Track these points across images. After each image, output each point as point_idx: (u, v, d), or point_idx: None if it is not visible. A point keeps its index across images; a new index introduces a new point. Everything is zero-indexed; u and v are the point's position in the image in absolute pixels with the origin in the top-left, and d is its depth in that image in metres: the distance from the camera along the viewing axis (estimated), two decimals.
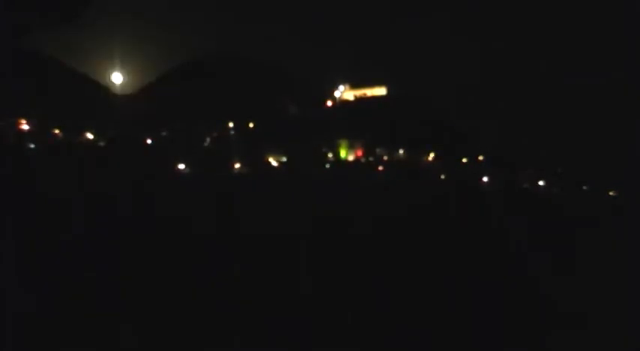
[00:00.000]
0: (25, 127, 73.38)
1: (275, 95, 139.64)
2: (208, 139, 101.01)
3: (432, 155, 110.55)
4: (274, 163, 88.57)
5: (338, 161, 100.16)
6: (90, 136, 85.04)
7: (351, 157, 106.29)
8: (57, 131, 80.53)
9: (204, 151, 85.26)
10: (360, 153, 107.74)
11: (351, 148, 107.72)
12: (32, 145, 57.68)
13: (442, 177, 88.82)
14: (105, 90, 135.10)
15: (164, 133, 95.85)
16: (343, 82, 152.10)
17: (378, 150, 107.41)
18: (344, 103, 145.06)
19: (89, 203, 15.47)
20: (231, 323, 6.54)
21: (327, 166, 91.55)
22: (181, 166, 63.60)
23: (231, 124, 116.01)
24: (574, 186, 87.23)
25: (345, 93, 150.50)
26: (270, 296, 7.63)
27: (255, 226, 14.39)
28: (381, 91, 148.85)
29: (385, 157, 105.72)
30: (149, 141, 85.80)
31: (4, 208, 11.93)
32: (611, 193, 79.66)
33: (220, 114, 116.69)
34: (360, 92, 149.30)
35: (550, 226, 20.19)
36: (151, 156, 64.40)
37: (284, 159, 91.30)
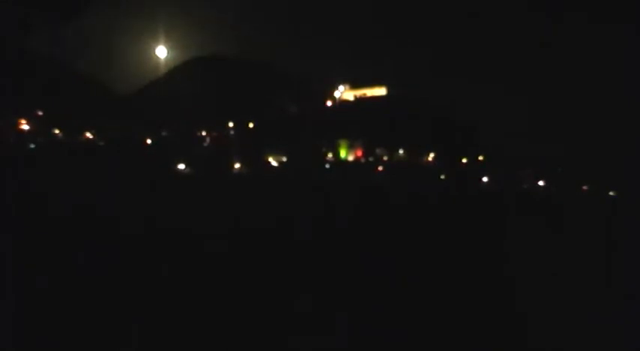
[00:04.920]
0: (25, 127, 73.52)
1: (275, 95, 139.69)
2: (208, 139, 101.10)
3: (432, 155, 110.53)
4: (274, 163, 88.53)
5: (338, 161, 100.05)
6: (90, 136, 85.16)
7: (351, 157, 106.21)
8: (57, 131, 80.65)
9: (204, 151, 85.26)
10: (360, 153, 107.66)
11: (351, 148, 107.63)
12: (32, 145, 57.86)
13: (442, 177, 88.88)
14: (105, 90, 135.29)
15: (164, 133, 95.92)
16: (343, 82, 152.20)
17: (377, 150, 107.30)
18: (344, 103, 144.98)
19: (88, 203, 15.48)
20: (231, 324, 6.54)
21: (327, 166, 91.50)
22: (181, 166, 63.65)
23: (231, 124, 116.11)
24: (574, 186, 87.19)
25: (345, 93, 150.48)
26: (268, 297, 7.63)
27: (255, 225, 14.40)
28: (381, 91, 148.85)
29: (385, 157, 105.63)
30: (149, 141, 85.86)
31: (4, 207, 11.94)
32: (611, 193, 79.62)
33: (220, 114, 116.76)
34: (360, 92, 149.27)
35: (550, 226, 20.19)
36: (151, 156, 64.42)
37: (284, 159, 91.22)
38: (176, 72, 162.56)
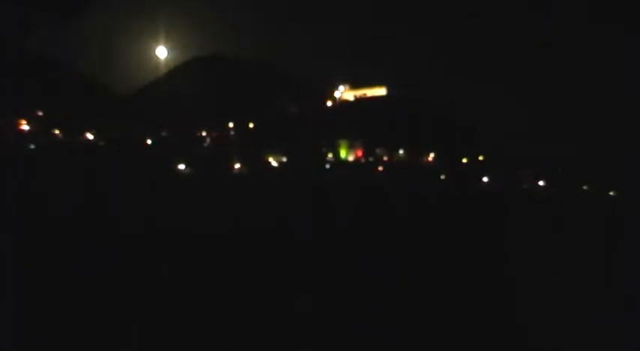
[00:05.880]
0: (25, 127, 73.55)
1: (275, 95, 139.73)
2: (208, 139, 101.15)
3: (432, 155, 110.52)
4: (274, 163, 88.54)
5: (338, 161, 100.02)
6: (90, 136, 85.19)
7: (351, 157, 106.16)
8: (57, 131, 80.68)
9: (204, 151, 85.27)
10: (360, 153, 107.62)
11: (351, 148, 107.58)
12: (32, 145, 57.89)
13: (442, 177, 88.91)
14: (105, 90, 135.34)
15: (164, 133, 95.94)
16: (343, 82, 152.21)
17: (377, 150, 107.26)
18: (344, 103, 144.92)
19: (88, 203, 15.47)
20: (231, 324, 6.54)
21: (327, 166, 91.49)
22: (181, 166, 63.68)
23: (231, 124, 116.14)
24: (574, 186, 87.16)
25: (345, 93, 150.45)
26: (269, 297, 7.62)
27: (255, 226, 14.40)
28: (381, 91, 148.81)
29: (385, 157, 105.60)
30: (149, 141, 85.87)
31: (4, 207, 11.93)
32: (611, 193, 79.62)
33: (220, 114, 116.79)
34: (360, 92, 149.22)
35: (550, 226, 20.18)
36: (151, 156, 64.42)
37: (284, 159, 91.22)
38: (176, 72, 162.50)
